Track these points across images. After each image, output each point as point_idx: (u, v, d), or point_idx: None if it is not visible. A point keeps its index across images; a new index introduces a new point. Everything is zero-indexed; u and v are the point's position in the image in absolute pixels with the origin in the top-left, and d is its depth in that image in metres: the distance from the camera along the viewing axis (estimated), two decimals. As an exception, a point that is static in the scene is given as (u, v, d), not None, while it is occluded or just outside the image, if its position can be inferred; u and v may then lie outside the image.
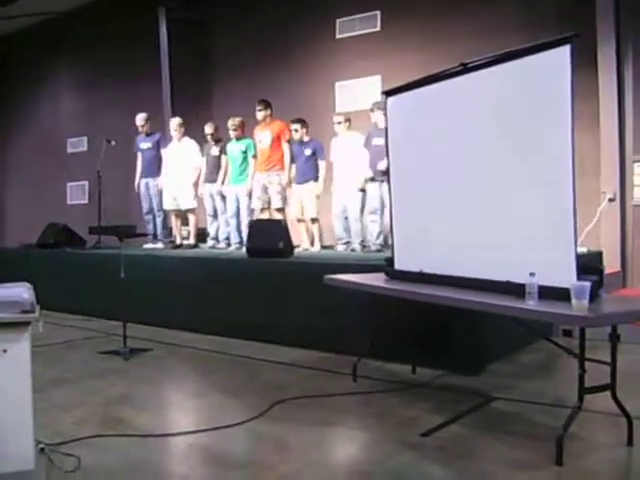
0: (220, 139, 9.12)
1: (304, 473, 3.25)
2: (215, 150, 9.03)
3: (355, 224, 8.05)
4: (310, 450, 3.58)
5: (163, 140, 9.63)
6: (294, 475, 3.22)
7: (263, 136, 8.47)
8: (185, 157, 9.23)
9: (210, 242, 9.28)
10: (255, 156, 8.59)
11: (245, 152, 8.65)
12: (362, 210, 8.02)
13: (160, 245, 9.51)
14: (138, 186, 9.74)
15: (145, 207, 9.75)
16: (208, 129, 9.09)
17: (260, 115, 8.53)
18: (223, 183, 8.93)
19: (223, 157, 8.95)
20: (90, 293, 8.19)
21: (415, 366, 5.19)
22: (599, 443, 3.60)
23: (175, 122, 9.45)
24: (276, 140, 8.38)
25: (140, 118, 9.69)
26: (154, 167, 9.58)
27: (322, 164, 8.21)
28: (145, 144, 9.67)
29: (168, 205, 9.42)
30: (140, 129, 9.71)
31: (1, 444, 2.92)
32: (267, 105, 8.56)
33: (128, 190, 10.01)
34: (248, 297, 6.70)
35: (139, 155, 9.77)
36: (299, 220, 8.47)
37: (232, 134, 8.77)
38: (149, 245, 9.61)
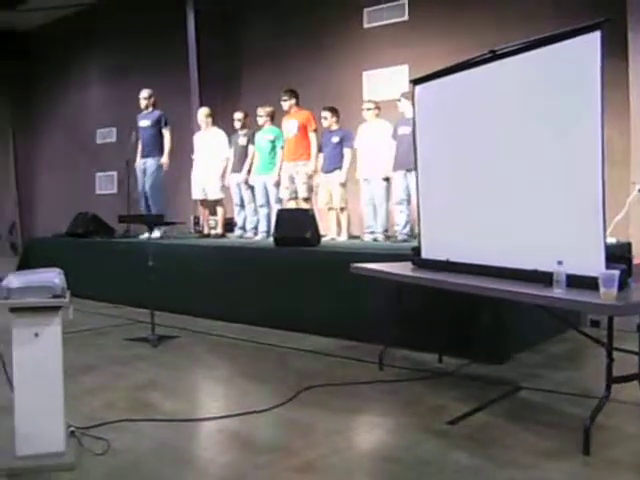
0: (248, 126, 9.13)
1: (331, 458, 3.26)
2: (243, 140, 9.07)
3: (380, 213, 8.04)
4: (337, 436, 3.60)
5: (163, 118, 9.30)
6: (321, 460, 3.24)
7: (290, 126, 8.50)
8: (213, 147, 9.27)
9: (237, 231, 9.33)
10: (283, 147, 8.62)
11: (274, 142, 8.68)
12: (387, 199, 8.02)
13: (157, 234, 8.92)
14: (137, 166, 9.51)
15: (139, 185, 9.49)
16: (237, 115, 9.13)
17: (285, 105, 8.56)
18: (249, 173, 8.96)
19: (250, 147, 8.98)
20: (119, 281, 8.27)
21: (442, 355, 5.17)
22: (627, 433, 3.58)
23: (203, 112, 9.50)
24: (302, 129, 8.39)
25: (145, 92, 9.43)
26: (154, 146, 9.28)
27: (347, 152, 8.21)
28: (144, 122, 9.40)
29: (197, 195, 9.49)
30: (143, 104, 9.40)
31: (33, 426, 2.98)
32: (292, 94, 8.57)
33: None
34: (275, 286, 6.72)
35: (139, 135, 9.54)
36: (330, 209, 8.49)
37: (261, 122, 8.81)
38: (145, 235, 8.81)
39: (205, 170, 9.32)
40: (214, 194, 9.31)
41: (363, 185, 8.23)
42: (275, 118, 8.88)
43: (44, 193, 17.47)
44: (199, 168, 9.44)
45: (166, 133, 9.28)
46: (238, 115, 9.15)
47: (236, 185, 9.14)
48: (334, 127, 8.38)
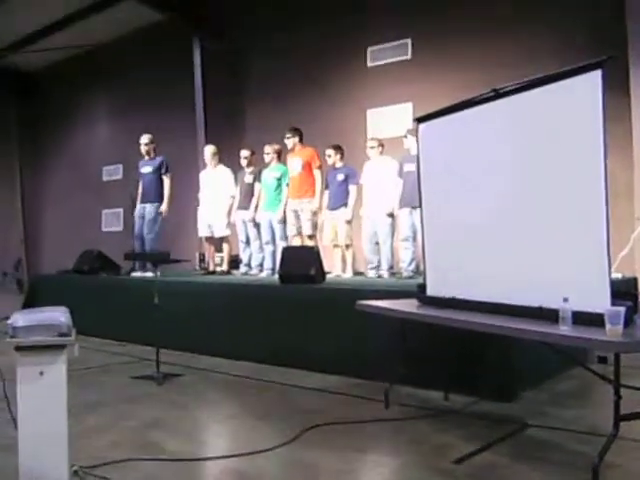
0: (254, 164, 9.20)
1: (336, 499, 3.23)
2: (249, 177, 9.14)
3: (384, 250, 8.06)
4: (342, 476, 3.57)
5: (164, 164, 9.28)
6: (326, 500, 3.21)
7: (294, 163, 8.56)
8: (220, 185, 9.33)
9: (243, 268, 9.35)
10: (288, 184, 8.67)
11: (279, 179, 8.74)
12: (392, 235, 8.04)
13: (150, 274, 8.74)
14: (136, 211, 9.43)
15: (136, 230, 9.37)
16: (244, 152, 9.19)
17: (289, 143, 8.64)
18: (256, 210, 9.01)
19: (256, 184, 9.04)
20: (124, 318, 8.26)
21: (448, 393, 5.14)
22: (636, 471, 3.52)
23: (209, 150, 9.57)
24: (306, 167, 8.46)
25: (145, 138, 9.42)
26: (154, 192, 9.25)
27: (353, 189, 8.29)
28: (146, 168, 9.39)
29: (203, 232, 9.53)
30: (144, 149, 9.40)
31: (37, 464, 2.96)
32: (296, 132, 8.65)
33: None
34: (280, 323, 6.70)
35: (140, 181, 9.51)
36: (335, 245, 8.52)
37: (268, 159, 8.87)
38: (138, 273, 9.32)
39: (211, 207, 9.37)
40: (220, 231, 9.35)
41: (366, 222, 8.27)
42: (282, 156, 8.95)
43: (50, 230, 17.57)
44: (205, 205, 9.48)
45: (166, 180, 9.26)
46: (245, 153, 9.23)
47: (242, 222, 9.18)
48: (339, 164, 8.46)
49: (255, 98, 12.49)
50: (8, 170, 18.29)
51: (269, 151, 8.93)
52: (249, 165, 9.22)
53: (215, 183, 9.41)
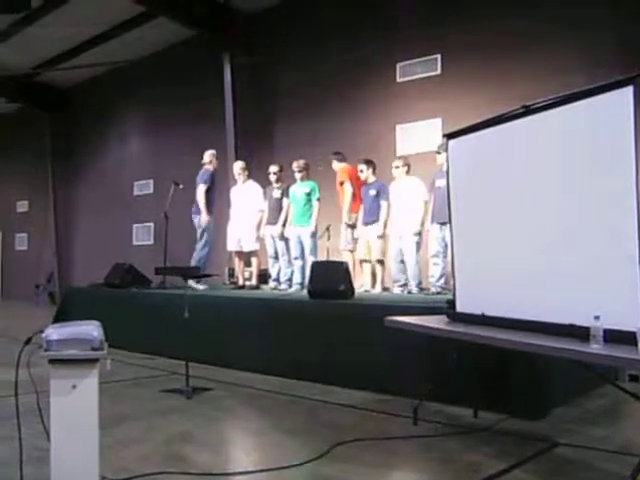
0: (283, 180, 9.26)
1: (364, 515, 3.22)
2: (277, 192, 9.18)
3: (412, 267, 8.07)
4: (370, 493, 3.56)
5: (206, 176, 9.43)
6: (354, 517, 3.20)
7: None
8: (249, 199, 9.39)
9: (272, 283, 9.37)
10: (319, 199, 8.72)
11: (309, 194, 8.78)
12: (418, 253, 8.07)
13: (201, 287, 9.01)
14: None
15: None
16: (273, 168, 9.25)
17: (336, 166, 8.90)
18: (284, 225, 9.05)
19: (285, 200, 9.08)
20: (155, 332, 8.31)
21: (477, 410, 5.10)
22: (669, 493, 3.48)
23: (238, 165, 9.65)
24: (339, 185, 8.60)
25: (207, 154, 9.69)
26: (196, 203, 9.51)
27: (384, 205, 8.31)
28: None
29: (232, 246, 9.57)
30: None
31: (68, 477, 2.99)
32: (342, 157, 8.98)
33: (193, 231, 9.80)
34: (309, 338, 6.71)
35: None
36: (364, 261, 8.55)
37: (297, 176, 8.93)
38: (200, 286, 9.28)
39: (241, 222, 9.42)
40: (249, 246, 9.39)
41: (393, 240, 8.30)
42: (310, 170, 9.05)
43: (82, 243, 17.80)
44: (235, 220, 9.54)
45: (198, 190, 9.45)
46: (273, 168, 9.28)
47: (270, 237, 9.22)
48: (371, 179, 8.54)
49: (285, 114, 12.56)
50: (41, 184, 18.61)
51: (297, 166, 8.96)
52: (278, 181, 9.26)
53: (244, 198, 9.48)
